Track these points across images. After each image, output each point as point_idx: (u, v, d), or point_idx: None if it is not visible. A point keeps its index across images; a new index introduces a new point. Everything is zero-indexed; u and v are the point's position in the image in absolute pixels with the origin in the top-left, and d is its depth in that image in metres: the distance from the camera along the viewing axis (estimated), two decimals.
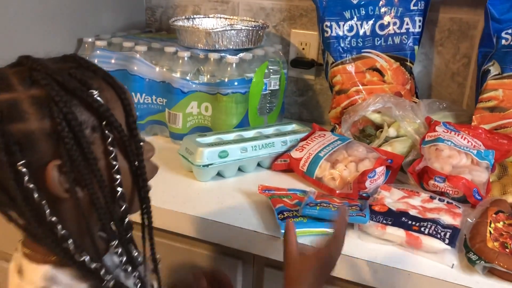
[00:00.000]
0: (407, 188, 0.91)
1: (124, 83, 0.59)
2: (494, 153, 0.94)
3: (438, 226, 0.78)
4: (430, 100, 1.13)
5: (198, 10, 1.43)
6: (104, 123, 0.52)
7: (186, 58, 1.12)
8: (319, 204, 0.81)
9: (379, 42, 1.17)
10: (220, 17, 1.31)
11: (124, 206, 0.54)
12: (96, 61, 1.16)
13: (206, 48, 1.13)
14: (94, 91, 0.51)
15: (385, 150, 1.01)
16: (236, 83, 1.09)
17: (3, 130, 0.47)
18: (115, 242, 0.54)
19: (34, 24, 1.12)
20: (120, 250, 0.55)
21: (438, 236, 0.76)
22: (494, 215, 0.79)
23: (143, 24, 1.50)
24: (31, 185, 0.48)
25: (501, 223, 0.78)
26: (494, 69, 1.02)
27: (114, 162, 0.52)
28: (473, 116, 1.05)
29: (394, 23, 1.16)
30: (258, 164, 1.04)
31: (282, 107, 1.27)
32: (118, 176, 0.53)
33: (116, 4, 1.36)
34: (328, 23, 1.16)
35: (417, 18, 1.16)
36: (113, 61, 1.16)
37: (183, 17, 1.26)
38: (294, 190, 0.91)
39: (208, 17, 1.31)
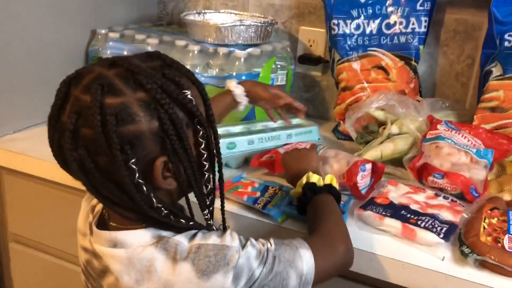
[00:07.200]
0: (414, 184, 0.93)
1: None
2: (493, 152, 0.96)
3: (436, 221, 0.80)
4: (433, 99, 1.16)
5: (209, 5, 1.46)
6: (195, 120, 0.58)
7: (196, 52, 1.15)
8: None
9: (385, 41, 1.19)
10: (230, 13, 1.34)
11: (209, 187, 0.62)
12: (108, 52, 1.20)
13: (216, 42, 1.16)
14: (187, 91, 0.57)
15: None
16: (244, 77, 1.12)
17: (118, 131, 0.52)
18: (207, 211, 0.63)
19: (48, 15, 1.16)
20: (208, 216, 0.64)
21: (434, 230, 0.78)
22: (489, 211, 0.82)
23: (155, 17, 1.53)
24: (141, 180, 0.55)
25: (495, 219, 0.80)
26: (496, 70, 1.04)
27: (203, 151, 0.59)
28: (475, 116, 1.07)
29: (400, 23, 1.18)
30: None
31: None
32: (206, 163, 0.60)
33: None
34: (335, 21, 1.18)
35: (423, 18, 1.18)
36: (125, 52, 1.19)
37: (194, 12, 1.30)
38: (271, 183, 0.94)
39: (219, 12, 1.34)
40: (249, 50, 1.15)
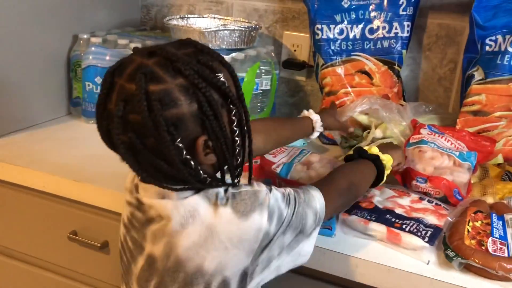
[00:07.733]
0: (398, 188, 0.94)
1: None
2: (476, 155, 0.97)
3: (420, 225, 0.81)
4: (417, 103, 1.16)
5: (193, 10, 1.45)
6: (228, 100, 0.63)
7: None
8: None
9: (368, 46, 1.20)
10: (214, 17, 1.34)
11: (239, 160, 0.67)
12: (90, 57, 1.19)
13: None
14: (219, 74, 0.62)
15: None
16: None
17: (163, 115, 0.57)
18: (237, 181, 0.68)
19: (30, 20, 1.14)
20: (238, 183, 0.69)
21: (419, 234, 0.78)
22: (472, 215, 0.82)
23: (138, 22, 1.52)
24: (188, 156, 0.60)
25: (479, 222, 0.81)
26: (478, 74, 1.05)
27: (236, 128, 0.64)
28: (458, 120, 1.08)
29: (383, 27, 1.19)
30: None
31: (273, 107, 1.30)
32: (237, 139, 0.65)
33: (111, 1, 1.38)
34: (319, 26, 1.19)
35: (405, 23, 1.19)
36: (107, 57, 1.18)
37: (178, 16, 1.29)
38: None
39: (202, 17, 1.33)
40: (233, 54, 1.14)
